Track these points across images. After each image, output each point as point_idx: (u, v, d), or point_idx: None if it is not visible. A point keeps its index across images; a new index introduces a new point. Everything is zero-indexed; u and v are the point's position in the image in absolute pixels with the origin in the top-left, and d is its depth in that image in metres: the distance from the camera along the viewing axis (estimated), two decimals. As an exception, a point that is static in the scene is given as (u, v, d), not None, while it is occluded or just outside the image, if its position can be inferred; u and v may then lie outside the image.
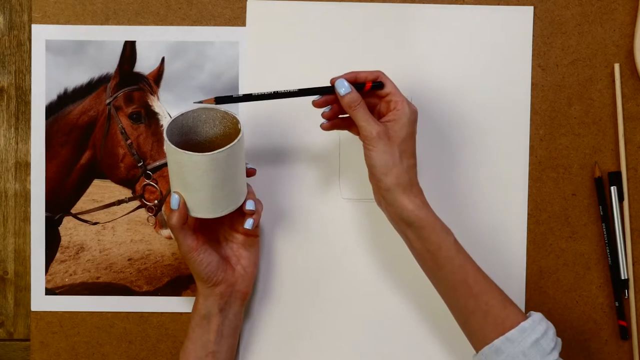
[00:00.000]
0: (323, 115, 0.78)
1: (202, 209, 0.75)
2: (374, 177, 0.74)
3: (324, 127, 0.79)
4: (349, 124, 0.79)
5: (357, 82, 0.76)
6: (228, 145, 0.72)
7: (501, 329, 0.72)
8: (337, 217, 0.86)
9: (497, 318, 0.72)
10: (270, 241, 0.86)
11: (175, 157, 0.73)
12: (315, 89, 0.76)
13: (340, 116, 0.79)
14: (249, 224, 0.78)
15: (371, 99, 0.77)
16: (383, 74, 0.76)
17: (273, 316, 0.86)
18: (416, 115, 0.76)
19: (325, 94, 0.77)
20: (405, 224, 0.74)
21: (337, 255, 0.86)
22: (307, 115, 0.85)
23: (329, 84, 0.76)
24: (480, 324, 0.73)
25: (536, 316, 0.73)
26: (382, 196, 0.75)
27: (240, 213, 0.79)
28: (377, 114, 0.77)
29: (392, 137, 0.73)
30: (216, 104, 0.75)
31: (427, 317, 0.86)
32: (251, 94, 0.76)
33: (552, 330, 0.73)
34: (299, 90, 0.76)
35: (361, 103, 0.74)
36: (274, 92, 0.76)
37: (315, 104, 0.77)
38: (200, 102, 0.76)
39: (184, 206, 0.75)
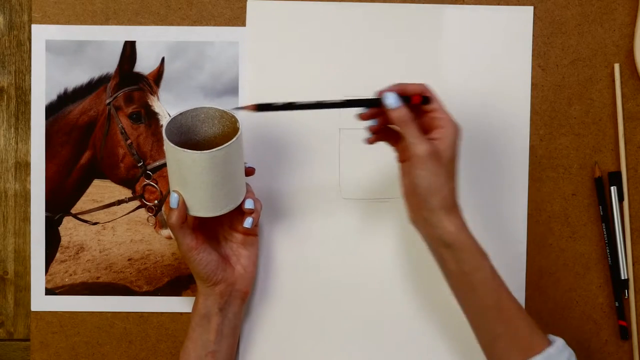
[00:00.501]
0: (370, 128, 0.76)
1: (201, 208, 0.76)
2: (418, 196, 0.72)
3: (370, 141, 0.77)
4: (394, 138, 0.77)
5: (403, 95, 0.73)
6: (226, 144, 0.72)
7: (526, 355, 0.71)
8: (337, 217, 0.86)
9: (524, 343, 0.72)
10: (270, 241, 0.86)
11: (174, 155, 0.73)
12: (362, 101, 0.74)
13: (389, 126, 0.77)
14: (248, 222, 0.78)
15: (414, 113, 0.74)
16: (428, 87, 0.74)
17: (273, 316, 0.86)
18: (461, 134, 0.73)
19: (372, 106, 0.74)
20: (443, 245, 0.72)
21: (337, 254, 0.86)
22: (307, 115, 0.85)
23: (376, 96, 0.74)
24: (507, 348, 0.72)
25: (559, 342, 0.73)
26: (424, 216, 0.72)
27: (239, 212, 0.79)
28: (421, 129, 0.74)
29: (440, 157, 0.71)
30: (257, 111, 0.73)
31: (427, 317, 0.86)
32: (293, 102, 0.73)
33: (574, 357, 0.73)
34: (346, 101, 0.74)
35: (412, 118, 0.72)
36: (318, 102, 0.74)
37: (362, 117, 0.75)
38: (240, 108, 0.74)
39: (183, 205, 0.75)
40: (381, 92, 0.73)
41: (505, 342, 0.72)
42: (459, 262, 0.72)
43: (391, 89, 0.73)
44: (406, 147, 0.72)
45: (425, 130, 0.73)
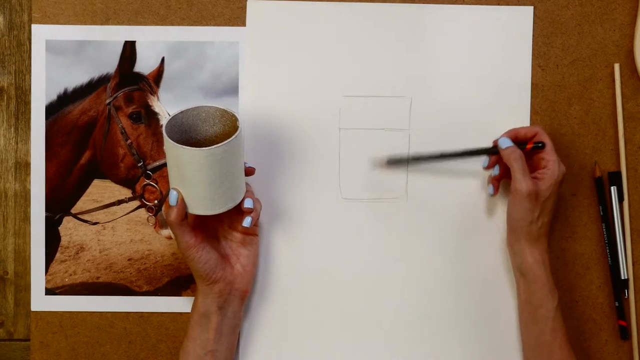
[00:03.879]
0: (493, 177, 0.82)
1: (200, 206, 0.76)
2: (509, 224, 0.80)
3: (494, 193, 0.84)
4: (509, 174, 0.81)
5: (518, 140, 0.80)
6: (225, 141, 0.72)
7: None
8: (336, 217, 0.86)
9: None
10: (269, 240, 0.86)
11: (173, 152, 0.73)
12: (481, 150, 0.82)
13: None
14: (247, 222, 0.78)
15: (526, 154, 0.80)
16: (542, 130, 0.80)
17: (272, 315, 0.86)
18: (564, 176, 0.79)
19: (490, 153, 0.82)
20: (520, 273, 0.80)
21: (337, 254, 0.86)
22: (307, 115, 0.85)
23: (492, 145, 0.82)
24: None
25: None
26: (512, 244, 0.80)
27: (239, 211, 0.79)
28: (529, 167, 0.80)
29: (539, 197, 0.77)
30: (388, 165, 0.83)
31: (426, 316, 0.86)
32: (420, 156, 0.83)
33: None
34: (466, 151, 0.82)
35: (522, 155, 0.78)
36: (441, 154, 0.82)
37: (486, 168, 0.83)
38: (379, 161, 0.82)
39: (182, 202, 0.75)
40: (496, 141, 0.81)
41: None
42: (528, 292, 0.79)
43: (505, 134, 0.81)
44: (512, 183, 0.78)
45: (533, 168, 0.80)
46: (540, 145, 0.79)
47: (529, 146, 0.80)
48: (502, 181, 0.84)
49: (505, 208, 0.83)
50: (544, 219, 0.78)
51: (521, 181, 0.77)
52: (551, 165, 0.78)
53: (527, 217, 0.77)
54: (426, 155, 0.82)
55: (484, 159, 0.83)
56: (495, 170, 0.82)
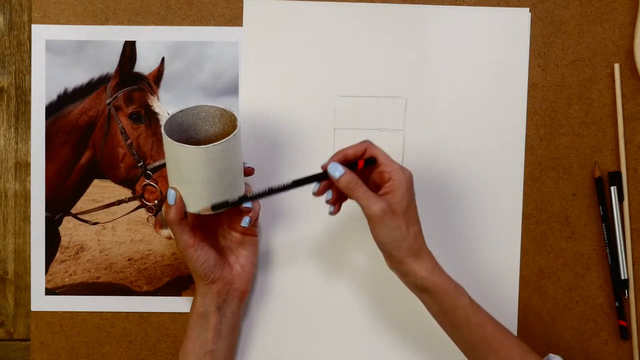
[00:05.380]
0: (327, 202, 0.77)
1: (198, 205, 0.76)
2: (383, 251, 0.74)
3: (333, 213, 0.77)
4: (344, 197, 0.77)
5: (348, 161, 0.74)
6: (223, 140, 0.72)
7: None
8: (334, 217, 0.86)
9: None
10: (268, 241, 0.86)
11: (171, 150, 0.73)
12: (309, 178, 0.75)
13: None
14: (245, 222, 0.78)
15: (364, 172, 0.75)
16: (371, 143, 0.75)
17: (271, 315, 0.86)
18: (412, 179, 0.74)
19: (321, 180, 0.75)
20: (419, 290, 0.75)
21: (335, 254, 0.86)
22: (303, 115, 0.85)
23: (321, 170, 0.75)
24: None
25: (556, 358, 0.75)
26: (395, 267, 0.75)
27: (238, 211, 0.79)
28: (372, 184, 0.76)
29: (395, 211, 0.72)
30: (213, 211, 0.75)
31: (424, 316, 0.86)
32: (246, 196, 0.76)
33: None
34: (293, 182, 0.75)
35: (358, 182, 0.73)
36: (269, 188, 0.75)
37: (316, 194, 0.76)
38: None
39: (180, 201, 0.75)
40: (324, 166, 0.74)
41: None
42: (437, 303, 0.74)
43: (333, 159, 0.74)
44: (362, 211, 0.73)
45: (377, 184, 0.74)
46: (372, 160, 0.74)
47: (361, 165, 0.74)
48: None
49: (498, 211, 0.83)
50: (414, 229, 0.73)
51: (369, 206, 0.71)
52: (394, 174, 0.73)
53: (396, 235, 0.72)
54: (255, 194, 0.75)
55: (315, 185, 0.76)
56: (328, 195, 0.76)
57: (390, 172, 0.73)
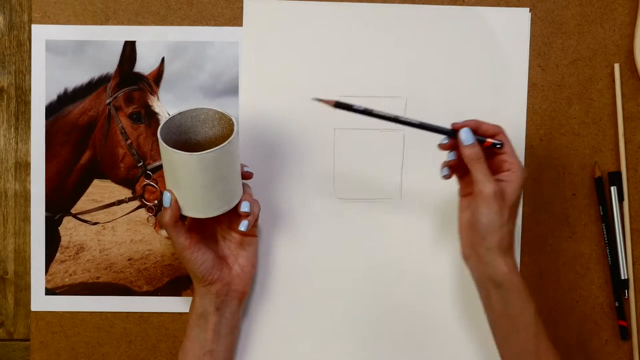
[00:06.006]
0: (449, 163, 0.77)
1: (193, 209, 0.76)
2: (476, 233, 0.73)
3: (447, 177, 0.78)
4: (461, 171, 0.77)
5: (477, 134, 0.74)
6: (217, 147, 0.72)
7: None
8: (332, 216, 0.86)
9: None
10: (266, 241, 0.86)
11: (166, 155, 0.73)
12: (437, 128, 0.75)
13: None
14: (243, 226, 0.78)
15: (485, 152, 0.75)
16: (503, 131, 0.75)
17: (270, 315, 0.86)
18: (526, 180, 0.75)
19: (446, 135, 0.75)
20: (493, 285, 0.74)
21: (332, 254, 0.86)
22: (302, 115, 0.85)
23: (450, 127, 0.75)
24: None
25: None
26: (479, 253, 0.74)
27: (237, 213, 0.78)
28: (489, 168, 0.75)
29: (505, 199, 0.72)
30: (335, 108, 0.74)
31: (424, 316, 0.86)
32: (372, 110, 0.74)
33: None
34: (421, 123, 0.75)
35: (483, 157, 0.73)
36: (395, 116, 0.74)
37: (442, 147, 0.76)
38: (319, 100, 0.74)
39: (175, 204, 0.75)
40: (456, 126, 0.75)
41: None
42: (505, 303, 0.73)
43: (467, 124, 0.74)
44: (471, 183, 0.73)
45: (493, 171, 0.74)
46: (498, 144, 0.74)
47: (487, 143, 0.74)
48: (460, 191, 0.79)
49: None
50: (512, 225, 0.73)
51: (485, 183, 0.72)
52: (516, 167, 0.74)
53: (496, 220, 0.72)
54: (377, 114, 0.74)
55: (444, 138, 0.76)
56: (451, 156, 0.76)
57: (512, 163, 0.74)
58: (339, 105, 0.74)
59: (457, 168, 0.77)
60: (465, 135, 0.74)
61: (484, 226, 0.72)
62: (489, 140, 0.75)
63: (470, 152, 0.73)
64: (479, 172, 0.73)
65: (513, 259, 0.74)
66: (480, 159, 0.73)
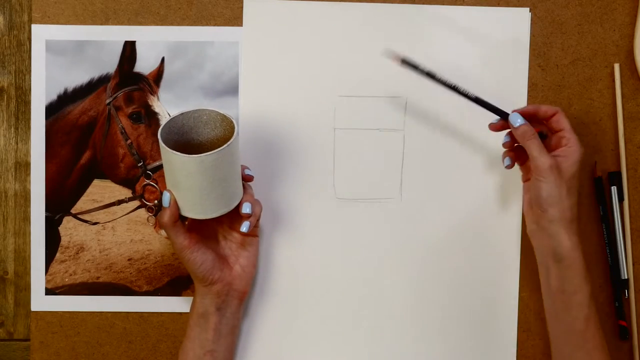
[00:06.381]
0: (503, 144, 0.80)
1: (191, 209, 0.76)
2: (539, 207, 0.75)
3: (509, 167, 0.80)
4: (522, 159, 0.80)
5: (538, 117, 0.78)
6: (217, 149, 0.72)
7: None
8: (331, 216, 0.86)
9: None
10: (266, 240, 0.86)
11: (165, 155, 0.73)
12: (493, 107, 0.78)
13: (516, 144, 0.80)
14: (244, 227, 0.78)
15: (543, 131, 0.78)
16: (559, 110, 0.77)
17: (270, 315, 0.86)
18: (583, 156, 0.76)
19: (498, 115, 0.78)
20: (554, 259, 0.75)
21: (333, 254, 0.86)
22: (302, 114, 0.85)
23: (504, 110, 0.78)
24: None
25: None
26: (543, 227, 0.75)
27: (238, 213, 0.78)
28: (546, 145, 0.77)
29: (562, 172, 0.74)
30: (401, 65, 0.78)
31: (423, 316, 0.86)
32: (435, 75, 0.78)
33: None
34: (477, 98, 0.78)
35: (535, 134, 0.76)
36: (455, 85, 0.78)
37: (492, 128, 0.79)
38: (388, 55, 0.79)
39: (174, 204, 0.75)
40: (513, 111, 0.78)
41: None
42: (563, 279, 0.74)
43: (524, 109, 0.77)
44: (530, 163, 0.76)
45: (551, 149, 0.77)
46: (544, 135, 0.78)
47: (537, 129, 0.77)
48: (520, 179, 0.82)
49: (498, 211, 0.84)
50: (574, 199, 0.75)
51: (540, 157, 0.74)
52: (572, 142, 0.76)
53: (556, 193, 0.74)
54: (439, 79, 0.78)
55: (496, 119, 0.79)
56: (506, 138, 0.80)
57: (569, 138, 0.76)
58: (405, 62, 0.78)
59: (518, 156, 0.80)
60: (514, 118, 0.77)
61: (544, 200, 0.74)
62: (537, 129, 0.77)
63: (521, 132, 0.76)
64: (533, 148, 0.75)
65: (577, 236, 0.75)
66: (532, 137, 0.76)
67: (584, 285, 0.74)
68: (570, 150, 0.76)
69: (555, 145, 0.78)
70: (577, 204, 0.76)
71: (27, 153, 0.87)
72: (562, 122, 0.77)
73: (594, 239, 0.86)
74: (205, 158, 0.72)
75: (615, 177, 0.85)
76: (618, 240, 0.85)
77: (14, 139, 0.87)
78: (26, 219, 0.87)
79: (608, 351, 0.75)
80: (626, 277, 0.85)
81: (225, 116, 0.76)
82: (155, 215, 0.86)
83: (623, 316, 0.85)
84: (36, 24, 0.85)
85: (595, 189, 0.86)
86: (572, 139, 0.76)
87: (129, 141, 0.86)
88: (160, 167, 0.86)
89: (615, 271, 0.85)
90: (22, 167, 0.87)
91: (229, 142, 0.73)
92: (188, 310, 0.83)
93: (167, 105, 0.86)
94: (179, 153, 0.72)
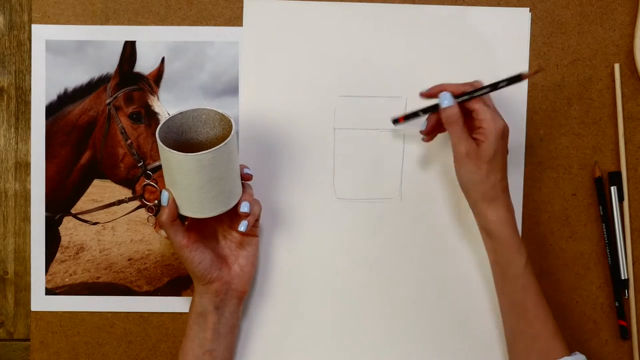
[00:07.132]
0: (421, 132, 0.81)
1: (189, 209, 0.76)
2: (462, 188, 0.78)
3: (425, 140, 0.82)
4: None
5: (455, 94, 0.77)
6: (214, 148, 0.72)
7: (544, 358, 0.74)
8: (331, 217, 0.86)
9: (544, 346, 0.75)
10: (266, 240, 0.86)
11: (163, 154, 0.73)
12: (426, 108, 0.79)
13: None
14: (242, 226, 0.78)
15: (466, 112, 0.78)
16: (473, 82, 0.78)
17: (270, 315, 0.86)
18: (506, 131, 0.76)
19: (432, 113, 0.79)
20: (485, 233, 0.78)
21: (333, 253, 0.86)
22: (303, 115, 0.85)
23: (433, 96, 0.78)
24: (527, 348, 0.76)
25: (580, 357, 0.75)
26: (470, 206, 0.78)
27: (238, 213, 0.78)
28: (469, 128, 0.77)
29: (480, 156, 0.75)
30: (404, 121, 0.81)
31: (422, 315, 0.86)
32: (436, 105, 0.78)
33: None
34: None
35: (459, 119, 0.76)
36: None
37: (422, 95, 0.79)
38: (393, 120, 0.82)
39: (173, 203, 0.76)
40: (432, 91, 0.78)
41: (526, 341, 0.75)
42: (495, 252, 0.77)
43: (433, 90, 0.78)
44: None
45: (472, 129, 0.77)
46: (467, 97, 0.77)
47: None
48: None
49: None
50: (495, 177, 0.75)
51: (457, 144, 0.75)
52: (485, 123, 0.75)
53: (474, 177, 0.75)
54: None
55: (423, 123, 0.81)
56: (422, 126, 0.81)
57: (481, 120, 0.76)
58: (406, 118, 0.81)
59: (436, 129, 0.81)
60: (444, 98, 0.77)
61: (464, 184, 0.77)
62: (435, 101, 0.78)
63: (447, 114, 0.76)
64: (453, 134, 0.76)
65: (504, 210, 0.76)
66: (455, 120, 0.76)
67: (516, 257, 0.76)
68: (485, 131, 0.75)
69: (474, 126, 0.77)
70: (505, 178, 0.76)
71: (27, 153, 0.87)
72: (471, 103, 0.76)
73: (594, 239, 0.86)
74: (202, 156, 0.72)
75: (615, 177, 0.85)
76: (618, 240, 0.85)
77: (14, 139, 0.87)
78: (26, 219, 0.87)
79: (554, 320, 0.76)
80: (626, 277, 0.85)
81: (223, 115, 0.76)
82: (155, 215, 0.87)
83: (623, 316, 0.85)
84: (36, 24, 0.85)
85: (595, 189, 0.86)
86: (484, 120, 0.75)
87: (129, 141, 0.86)
88: (160, 167, 0.86)
89: (615, 271, 0.85)
90: (22, 167, 0.87)
91: (226, 141, 0.73)
92: (188, 310, 0.83)
93: (167, 105, 0.86)
94: (175, 151, 0.72)
